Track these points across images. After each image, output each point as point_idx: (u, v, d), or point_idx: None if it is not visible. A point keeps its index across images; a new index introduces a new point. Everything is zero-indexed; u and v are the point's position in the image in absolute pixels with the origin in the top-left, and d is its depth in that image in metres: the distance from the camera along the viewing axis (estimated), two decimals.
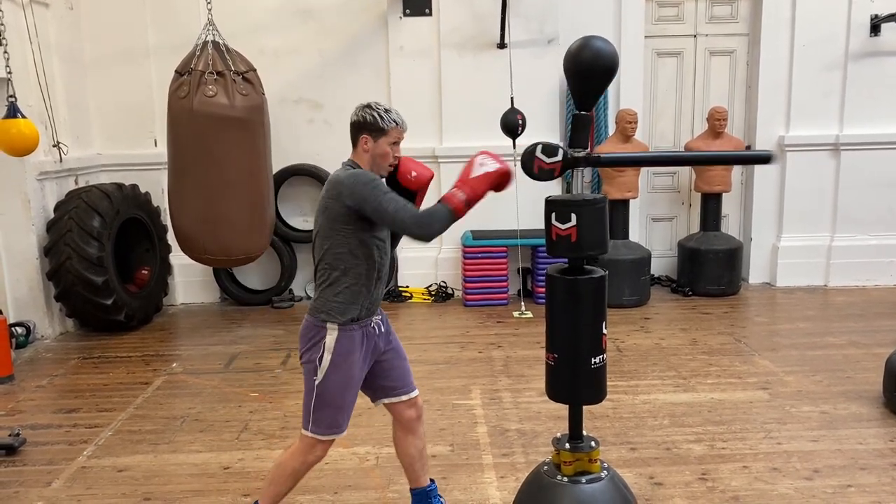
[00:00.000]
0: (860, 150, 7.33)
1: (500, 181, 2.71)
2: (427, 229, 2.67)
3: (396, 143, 2.84)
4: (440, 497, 3.26)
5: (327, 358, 2.79)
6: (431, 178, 2.94)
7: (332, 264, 2.78)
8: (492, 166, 2.68)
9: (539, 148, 2.64)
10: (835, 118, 7.37)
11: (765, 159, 2.89)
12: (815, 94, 7.34)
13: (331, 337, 2.79)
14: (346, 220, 2.72)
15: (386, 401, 3.05)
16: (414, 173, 2.89)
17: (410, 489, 3.21)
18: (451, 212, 2.65)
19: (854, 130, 7.32)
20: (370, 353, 2.91)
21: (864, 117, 7.31)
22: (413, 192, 2.93)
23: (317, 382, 2.81)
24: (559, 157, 2.63)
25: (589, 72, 2.62)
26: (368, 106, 2.81)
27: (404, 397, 3.04)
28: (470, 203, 2.67)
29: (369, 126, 2.79)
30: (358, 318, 2.82)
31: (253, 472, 3.80)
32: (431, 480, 3.23)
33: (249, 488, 3.61)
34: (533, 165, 2.65)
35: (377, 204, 2.66)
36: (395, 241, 3.01)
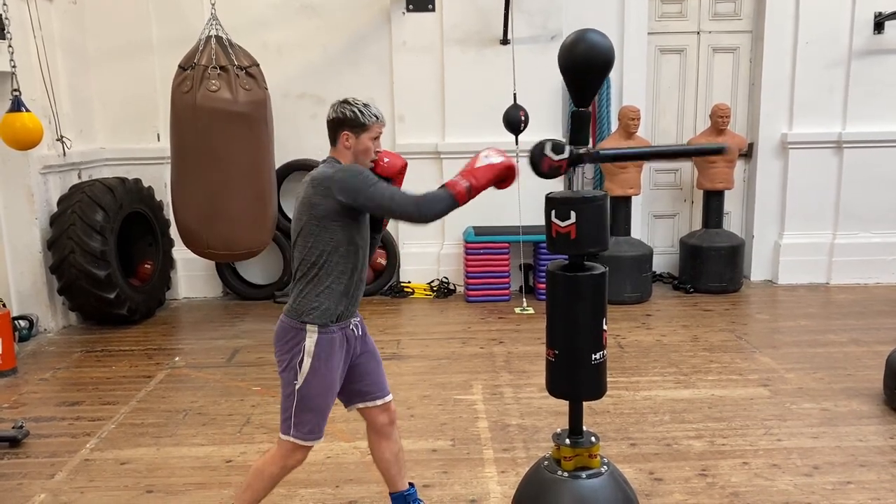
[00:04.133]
0: (863, 148, 7.32)
1: (503, 175, 2.69)
2: (427, 211, 2.64)
3: (377, 138, 2.80)
4: (420, 500, 3.20)
5: (307, 362, 2.72)
6: (405, 166, 2.92)
7: (316, 262, 2.71)
8: (496, 159, 2.67)
9: (548, 146, 2.63)
10: (838, 116, 7.36)
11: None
12: (818, 92, 7.32)
13: (311, 340, 2.72)
14: (335, 216, 2.66)
15: (360, 405, 2.97)
16: (387, 159, 2.87)
17: (389, 493, 3.16)
18: (451, 197, 2.62)
19: (857, 128, 7.31)
20: (349, 356, 2.85)
21: (868, 115, 7.29)
22: (388, 180, 2.88)
23: (297, 387, 2.74)
24: (566, 154, 2.63)
25: (585, 67, 2.60)
26: (347, 102, 2.77)
27: (379, 402, 2.96)
28: (472, 192, 2.64)
29: (350, 122, 2.74)
30: (338, 320, 2.76)
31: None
32: (411, 484, 3.17)
33: None
34: (543, 163, 2.63)
35: (372, 192, 2.63)
36: (374, 242, 2.95)
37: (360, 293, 2.86)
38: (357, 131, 2.75)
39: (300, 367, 2.73)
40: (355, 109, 2.74)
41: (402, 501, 3.14)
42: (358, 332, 2.89)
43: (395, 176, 2.92)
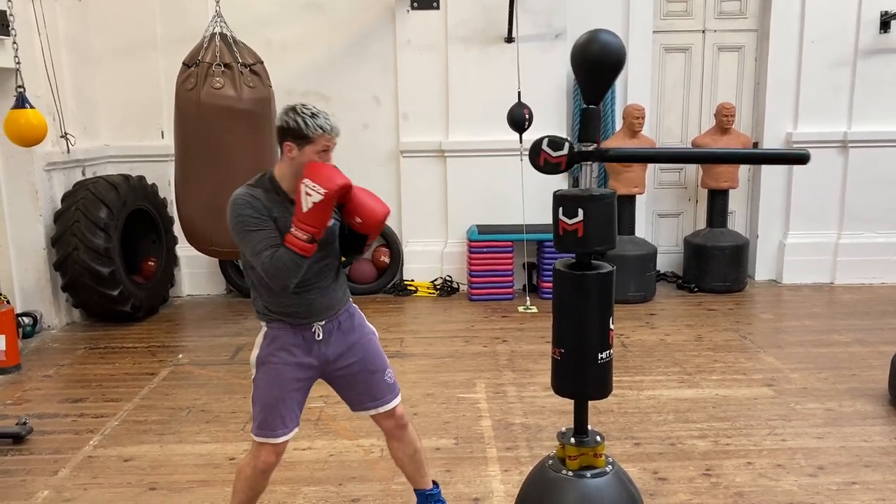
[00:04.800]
0: (869, 148, 7.30)
1: (336, 200, 2.50)
2: (279, 280, 2.53)
3: (326, 151, 2.57)
4: (443, 501, 3.18)
5: (255, 353, 2.78)
6: (383, 218, 2.69)
7: (247, 275, 2.74)
8: (317, 195, 2.43)
9: (545, 141, 2.63)
10: (843, 115, 7.34)
11: (801, 159, 2.61)
12: (823, 91, 7.30)
13: (260, 334, 2.77)
14: None
15: (362, 412, 2.95)
16: (359, 220, 2.64)
17: (414, 489, 3.18)
18: (296, 255, 2.48)
19: (862, 128, 7.29)
20: (309, 356, 2.74)
21: (873, 114, 7.27)
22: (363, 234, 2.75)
23: (252, 378, 2.79)
24: (565, 151, 2.61)
25: (597, 65, 2.60)
26: (293, 109, 2.56)
27: (380, 409, 2.90)
28: (315, 237, 2.48)
29: (293, 132, 2.53)
30: (286, 319, 2.70)
31: None
32: (435, 484, 3.16)
33: None
34: (539, 158, 2.64)
35: (242, 244, 2.55)
36: (346, 263, 2.89)
37: (308, 305, 2.70)
38: (300, 143, 2.54)
39: (252, 360, 2.79)
40: (299, 119, 2.52)
41: (424, 500, 3.13)
42: (323, 336, 2.75)
43: (370, 232, 2.70)
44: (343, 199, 2.57)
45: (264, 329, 2.75)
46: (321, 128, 2.54)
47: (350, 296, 2.93)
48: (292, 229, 2.49)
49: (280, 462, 2.88)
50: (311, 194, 2.43)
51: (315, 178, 2.46)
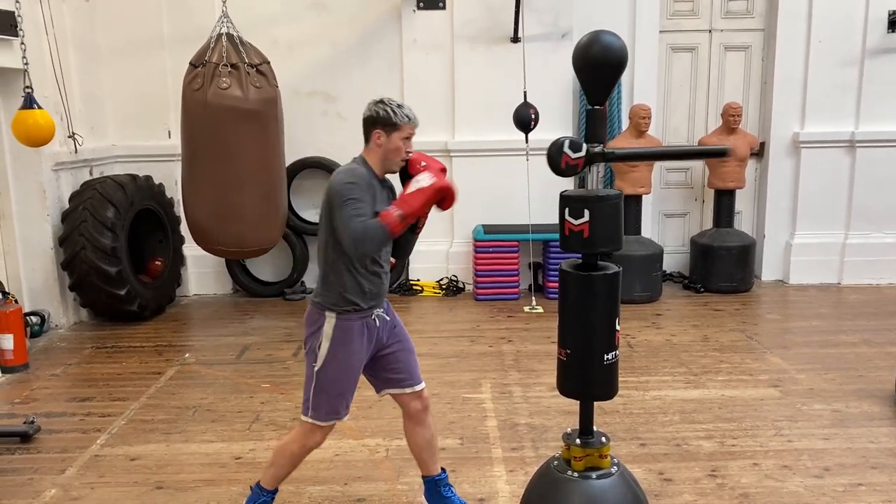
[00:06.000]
0: (876, 148, 7.27)
1: (436, 196, 2.76)
2: (360, 247, 2.74)
3: (408, 139, 2.88)
4: (450, 486, 3.28)
5: (325, 346, 2.89)
6: (442, 169, 2.92)
7: (328, 257, 2.88)
8: (426, 183, 2.74)
9: (567, 143, 2.63)
10: (851, 115, 7.31)
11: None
12: (830, 91, 7.28)
13: (329, 325, 2.88)
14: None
15: (390, 391, 3.11)
16: (423, 163, 2.89)
17: (422, 476, 3.27)
18: (383, 228, 2.71)
19: (870, 127, 7.26)
20: (371, 344, 2.96)
21: (881, 114, 7.25)
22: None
23: (315, 369, 2.91)
24: (583, 153, 2.63)
25: (599, 66, 2.61)
26: (381, 101, 2.86)
27: (408, 390, 3.08)
28: (406, 219, 2.73)
29: (382, 121, 2.83)
30: (356, 309, 2.88)
31: (264, 463, 3.80)
32: (443, 469, 3.27)
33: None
34: (560, 160, 2.64)
35: (339, 213, 2.75)
36: (408, 242, 3.03)
37: (378, 287, 2.94)
38: (389, 130, 2.83)
39: (319, 351, 2.89)
40: (388, 109, 2.82)
41: (434, 486, 3.24)
42: (380, 323, 2.97)
43: (438, 174, 2.88)
44: (441, 202, 2.79)
45: (333, 321, 2.88)
46: (407, 116, 2.85)
47: None
48: (390, 207, 2.74)
49: None
50: (420, 181, 2.74)
51: (430, 170, 2.79)
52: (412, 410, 3.12)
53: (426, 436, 3.17)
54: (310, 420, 2.94)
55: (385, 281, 2.99)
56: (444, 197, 2.78)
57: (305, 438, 2.98)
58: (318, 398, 2.92)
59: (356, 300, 2.87)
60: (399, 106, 2.85)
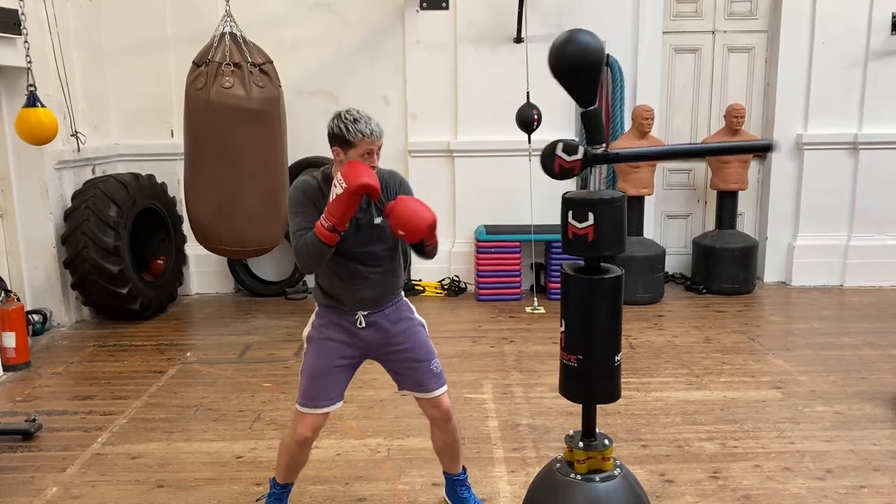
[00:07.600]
0: (879, 150, 7.26)
1: (353, 198, 2.62)
2: (301, 260, 2.78)
3: (370, 154, 2.73)
4: (468, 487, 3.30)
5: (306, 330, 3.02)
6: (426, 230, 2.73)
7: None
8: (340, 188, 2.62)
9: (559, 146, 2.55)
10: (854, 117, 7.30)
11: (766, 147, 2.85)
12: (834, 93, 7.26)
13: (314, 313, 3.02)
14: None
15: (407, 394, 3.13)
16: (401, 232, 2.73)
17: (443, 472, 3.35)
18: (319, 241, 2.67)
19: (873, 129, 7.25)
20: (353, 345, 2.95)
21: (884, 116, 7.23)
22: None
23: (304, 351, 3.02)
24: (580, 155, 2.54)
25: (576, 68, 2.50)
26: (338, 116, 2.73)
27: (420, 395, 3.07)
28: (336, 227, 2.65)
29: (337, 138, 2.72)
30: (336, 307, 2.93)
31: (265, 462, 3.82)
32: (463, 469, 3.31)
33: (261, 477, 3.63)
34: (553, 164, 2.56)
35: (290, 221, 2.81)
36: (420, 253, 2.98)
37: (356, 292, 2.89)
38: (345, 147, 2.72)
39: (304, 335, 3.03)
40: (342, 125, 2.70)
41: (451, 484, 3.32)
42: (368, 327, 2.94)
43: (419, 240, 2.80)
44: (371, 196, 2.71)
45: (317, 308, 3.00)
46: (361, 132, 2.69)
47: (402, 293, 3.09)
48: (321, 218, 2.69)
49: (316, 438, 3.04)
50: (336, 187, 2.64)
51: (343, 174, 2.64)
52: (429, 416, 3.12)
53: (446, 439, 3.16)
54: (296, 405, 2.99)
55: (375, 287, 2.90)
56: (369, 192, 2.64)
57: (294, 425, 3.01)
58: (301, 382, 2.98)
59: (337, 298, 2.91)
60: (355, 120, 2.68)
